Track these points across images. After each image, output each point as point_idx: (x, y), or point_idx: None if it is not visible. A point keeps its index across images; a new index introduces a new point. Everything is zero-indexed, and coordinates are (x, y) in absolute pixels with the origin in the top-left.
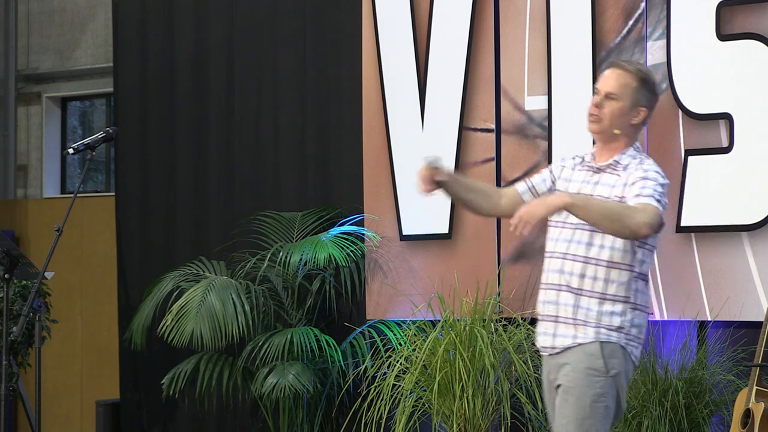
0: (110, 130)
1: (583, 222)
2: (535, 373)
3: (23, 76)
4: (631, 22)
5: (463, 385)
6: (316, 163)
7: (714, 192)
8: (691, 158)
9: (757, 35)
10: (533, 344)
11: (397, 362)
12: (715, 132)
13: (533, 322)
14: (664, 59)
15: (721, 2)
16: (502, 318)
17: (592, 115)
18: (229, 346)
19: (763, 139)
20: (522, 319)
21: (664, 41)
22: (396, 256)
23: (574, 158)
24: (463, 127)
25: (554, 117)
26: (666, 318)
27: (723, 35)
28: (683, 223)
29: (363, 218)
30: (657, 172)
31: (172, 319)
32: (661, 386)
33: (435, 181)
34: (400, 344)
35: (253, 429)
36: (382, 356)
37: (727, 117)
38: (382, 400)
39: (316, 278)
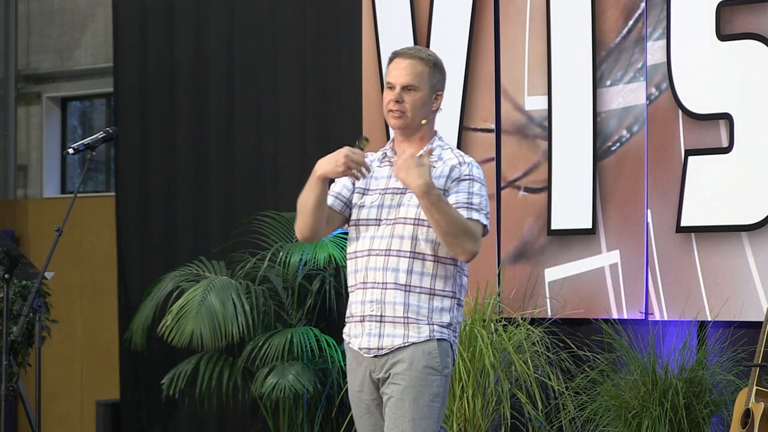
0: (110, 130)
1: (402, 217)
2: (535, 373)
3: (23, 76)
4: (631, 22)
5: (463, 385)
6: (316, 163)
7: (714, 192)
8: (691, 158)
9: (757, 35)
10: (533, 344)
11: None
12: (715, 132)
13: (533, 322)
14: (664, 59)
15: (721, 2)
16: (502, 318)
17: (393, 111)
18: (229, 346)
19: (763, 139)
20: (522, 319)
21: (664, 41)
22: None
23: (367, 156)
24: (463, 127)
25: (554, 117)
26: (666, 318)
27: (723, 35)
28: (683, 223)
29: None
30: (478, 167)
31: (172, 319)
32: (661, 386)
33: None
34: None
35: (253, 429)
36: None
37: (727, 117)
38: None
39: (316, 278)
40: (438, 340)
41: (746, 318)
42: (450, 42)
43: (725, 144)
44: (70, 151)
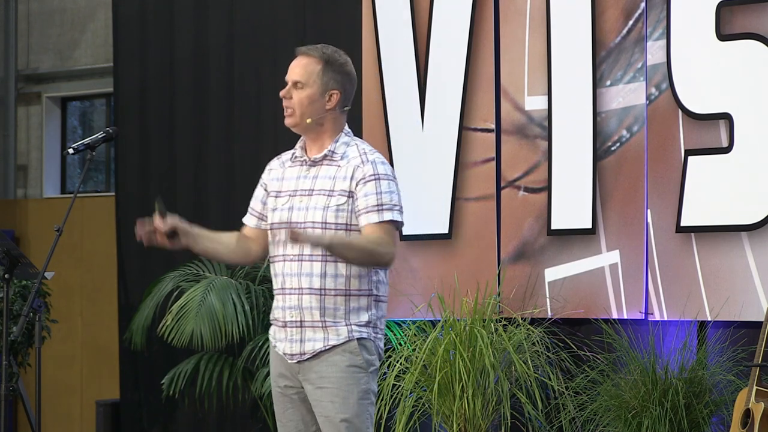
0: (110, 130)
1: (311, 221)
2: (535, 373)
3: (23, 76)
4: (631, 22)
5: (463, 385)
6: None
7: (714, 192)
8: (691, 158)
9: (757, 35)
10: (533, 344)
11: (397, 362)
12: (715, 132)
13: (533, 322)
14: (664, 59)
15: (721, 2)
16: (502, 318)
17: (286, 108)
18: (229, 346)
19: (763, 139)
20: (522, 319)
21: (664, 41)
22: (396, 256)
23: (279, 157)
24: (463, 127)
25: (554, 117)
26: (666, 318)
27: (723, 35)
28: (683, 223)
29: None
30: (383, 162)
31: (172, 319)
32: (661, 386)
33: (167, 232)
34: (400, 344)
35: (253, 429)
36: None
37: (727, 117)
38: (382, 400)
39: None
40: (358, 339)
41: (746, 318)
42: (450, 42)
43: (725, 144)
44: (70, 151)
